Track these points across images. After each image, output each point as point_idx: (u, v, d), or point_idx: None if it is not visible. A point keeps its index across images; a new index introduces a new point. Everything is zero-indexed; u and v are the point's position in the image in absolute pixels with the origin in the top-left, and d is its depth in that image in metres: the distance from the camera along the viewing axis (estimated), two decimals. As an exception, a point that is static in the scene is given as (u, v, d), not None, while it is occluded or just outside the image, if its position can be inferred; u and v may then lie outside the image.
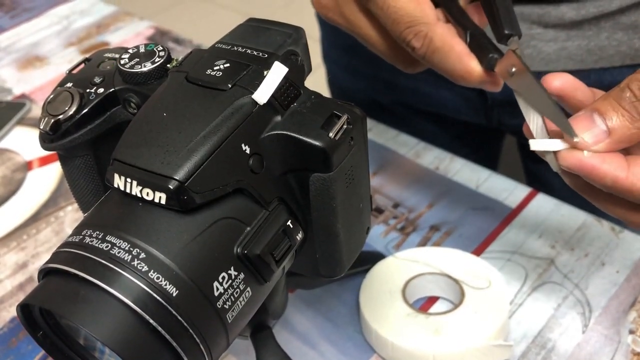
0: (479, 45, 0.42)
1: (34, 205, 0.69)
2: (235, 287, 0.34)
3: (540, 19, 0.59)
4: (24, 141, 0.78)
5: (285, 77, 0.36)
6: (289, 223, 0.37)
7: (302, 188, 0.37)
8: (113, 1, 1.04)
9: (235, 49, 0.38)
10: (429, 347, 0.49)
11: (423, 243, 0.60)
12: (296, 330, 0.54)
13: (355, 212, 0.40)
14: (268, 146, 0.36)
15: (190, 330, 0.32)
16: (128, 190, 0.34)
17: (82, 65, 0.43)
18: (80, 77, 0.42)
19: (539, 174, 0.74)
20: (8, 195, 0.71)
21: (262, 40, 0.39)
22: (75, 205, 0.67)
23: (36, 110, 0.83)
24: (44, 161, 0.75)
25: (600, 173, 0.35)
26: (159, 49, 0.40)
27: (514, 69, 0.39)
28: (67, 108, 0.40)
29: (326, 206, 0.37)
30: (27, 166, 0.75)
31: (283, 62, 0.36)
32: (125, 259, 0.32)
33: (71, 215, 0.67)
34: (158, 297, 0.32)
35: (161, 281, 0.32)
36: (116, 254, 0.32)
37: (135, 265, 0.32)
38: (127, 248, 0.32)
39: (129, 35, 0.95)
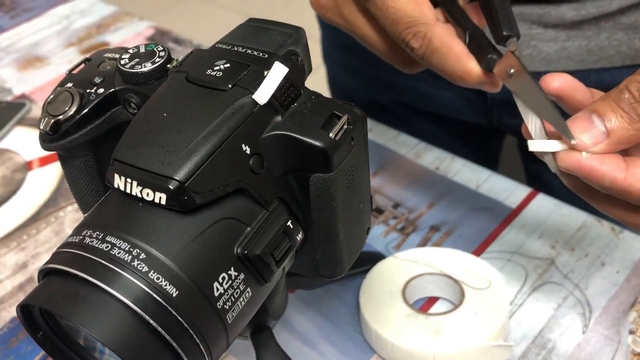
0: (477, 46, 0.42)
1: (34, 206, 0.69)
2: (235, 287, 0.34)
3: (541, 19, 0.59)
4: (24, 141, 0.78)
5: (286, 77, 0.36)
6: (289, 223, 0.37)
7: (302, 188, 0.37)
8: (113, 1, 1.04)
9: (236, 49, 0.38)
10: (429, 348, 0.49)
11: (423, 243, 0.60)
12: (296, 330, 0.54)
13: (355, 213, 0.40)
14: (268, 146, 0.36)
15: (191, 331, 0.32)
16: (128, 191, 0.34)
17: (82, 66, 0.43)
18: (80, 77, 0.42)
19: (539, 174, 0.74)
20: (8, 196, 0.71)
21: (263, 40, 0.39)
22: (75, 206, 0.67)
23: (36, 111, 0.83)
24: (44, 161, 0.75)
25: (598, 174, 0.35)
26: (159, 49, 0.40)
27: (512, 70, 0.39)
28: (67, 108, 0.40)
29: (326, 206, 0.37)
30: (27, 166, 0.75)
31: (283, 62, 0.36)
32: (126, 259, 0.32)
33: (71, 216, 0.67)
34: (158, 298, 0.32)
35: (161, 281, 0.32)
36: (116, 254, 0.32)
37: (136, 265, 0.32)
38: (127, 248, 0.32)
39: (129, 35, 0.95)
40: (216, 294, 0.33)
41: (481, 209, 0.62)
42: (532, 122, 0.38)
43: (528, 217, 0.61)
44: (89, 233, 0.33)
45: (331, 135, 0.35)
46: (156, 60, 0.39)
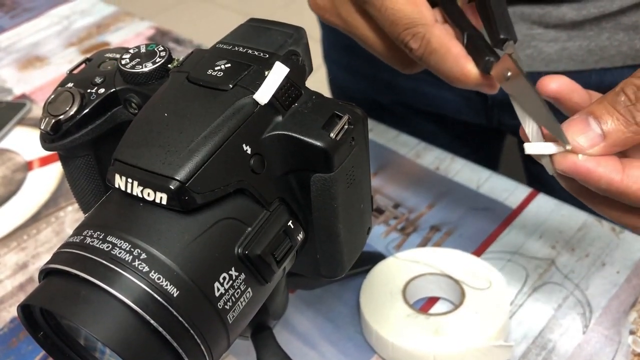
0: (475, 48, 0.42)
1: (35, 206, 0.69)
2: (236, 287, 0.34)
3: (541, 19, 0.59)
4: (24, 141, 0.78)
5: (286, 77, 0.36)
6: (289, 223, 0.37)
7: (303, 188, 0.37)
8: (113, 1, 1.04)
9: (237, 49, 0.38)
10: (430, 348, 0.49)
11: (423, 243, 0.60)
12: (297, 330, 0.54)
13: (356, 213, 0.40)
14: (269, 146, 0.36)
15: (191, 331, 0.32)
16: (129, 191, 0.34)
17: (83, 66, 0.43)
18: (81, 77, 0.42)
19: (540, 175, 0.74)
20: (8, 196, 0.71)
21: (263, 40, 0.39)
22: (76, 206, 0.67)
23: (36, 111, 0.83)
24: (44, 161, 0.75)
25: (595, 176, 0.35)
26: (159, 49, 0.40)
27: (509, 73, 0.39)
28: (68, 108, 0.40)
29: (327, 206, 0.37)
30: (28, 166, 0.75)
31: (284, 62, 0.36)
32: (126, 259, 0.32)
33: (71, 216, 0.67)
34: (159, 298, 0.32)
35: (162, 282, 0.32)
36: (117, 254, 0.32)
37: (136, 265, 0.32)
38: (127, 248, 0.32)
39: (130, 35, 0.95)
40: (217, 294, 0.33)
41: (481, 209, 0.62)
42: (529, 125, 0.38)
43: (528, 217, 0.61)
44: (89, 233, 0.33)
45: (332, 135, 0.35)
46: (157, 60, 0.39)
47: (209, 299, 0.33)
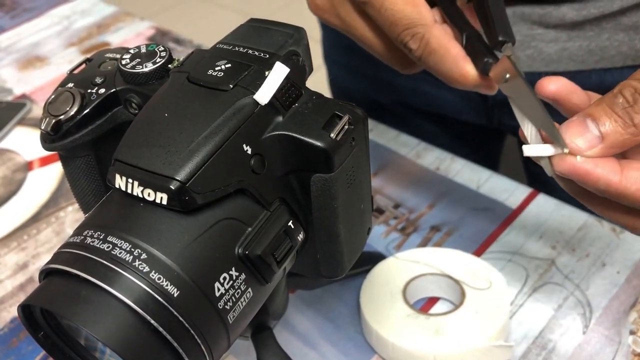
0: (474, 49, 0.42)
1: (35, 206, 0.69)
2: (236, 287, 0.34)
3: (542, 19, 0.59)
4: (25, 141, 0.78)
5: (287, 78, 0.36)
6: (290, 224, 0.37)
7: (303, 188, 0.37)
8: (113, 1, 1.05)
9: (237, 49, 0.38)
10: (430, 348, 0.49)
11: (424, 244, 0.60)
12: (297, 330, 0.54)
13: (356, 213, 0.40)
14: (269, 146, 0.36)
15: (192, 331, 0.32)
16: (129, 191, 0.34)
17: (84, 66, 0.43)
18: (81, 77, 0.42)
19: (540, 175, 0.74)
20: (8, 196, 0.71)
21: (264, 40, 0.39)
22: (76, 206, 0.67)
23: (36, 111, 0.83)
24: (44, 161, 0.75)
25: (593, 178, 0.35)
26: (160, 49, 0.40)
27: (507, 75, 0.39)
28: (68, 108, 0.40)
29: (327, 207, 0.37)
30: (28, 166, 0.75)
31: (284, 62, 0.36)
32: (127, 259, 0.32)
33: (72, 216, 0.67)
34: (159, 298, 0.32)
35: (162, 282, 0.32)
36: (117, 254, 0.32)
37: (137, 265, 0.32)
38: (128, 249, 0.32)
39: (130, 35, 0.95)
40: (217, 294, 0.33)
41: (482, 209, 0.62)
42: (528, 127, 0.38)
43: (528, 218, 0.61)
44: (90, 233, 0.33)
45: (332, 135, 0.35)
46: (157, 61, 0.39)
47: (210, 299, 0.33)
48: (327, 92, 0.78)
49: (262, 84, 0.35)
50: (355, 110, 0.37)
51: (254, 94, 0.35)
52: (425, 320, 0.51)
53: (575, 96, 0.39)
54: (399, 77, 0.74)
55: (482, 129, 0.77)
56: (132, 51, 0.40)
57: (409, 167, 0.68)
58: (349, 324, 0.54)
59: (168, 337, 0.32)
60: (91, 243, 0.33)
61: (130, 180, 0.33)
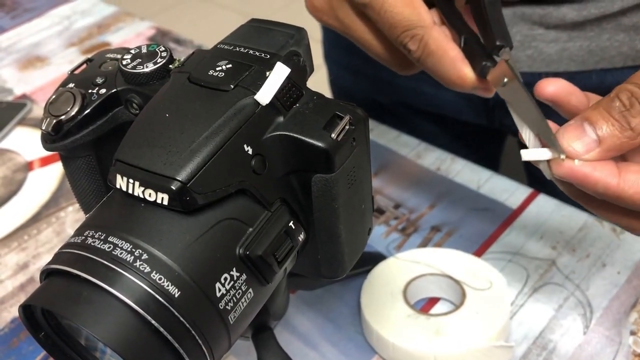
0: (472, 51, 0.42)
1: (35, 206, 0.69)
2: (237, 288, 0.34)
3: (542, 19, 0.59)
4: (25, 141, 0.78)
5: (288, 78, 0.36)
6: (291, 224, 0.37)
7: (304, 189, 0.37)
8: (114, 1, 1.05)
9: (238, 49, 0.38)
10: (430, 348, 0.49)
11: (424, 244, 0.60)
12: (297, 331, 0.54)
13: (357, 213, 0.40)
14: (270, 147, 0.36)
15: (193, 332, 0.32)
16: (130, 191, 0.34)
17: (84, 66, 0.43)
18: (82, 77, 0.42)
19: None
20: (9, 196, 0.71)
21: (265, 40, 0.39)
22: (76, 206, 0.67)
23: (37, 111, 0.83)
24: (44, 161, 0.75)
25: (591, 181, 0.36)
26: (161, 49, 0.40)
27: (505, 79, 0.39)
28: (69, 109, 0.40)
29: (328, 207, 0.37)
30: (28, 166, 0.75)
31: (285, 62, 0.36)
32: (128, 259, 0.32)
33: (72, 216, 0.67)
34: (160, 298, 0.32)
35: (163, 282, 0.32)
36: (118, 254, 0.32)
37: (138, 266, 0.32)
38: (129, 249, 0.32)
39: (130, 35, 0.95)
40: (218, 294, 0.33)
41: (482, 209, 0.62)
42: (526, 131, 0.38)
43: (529, 218, 0.61)
44: (91, 233, 0.33)
45: (333, 135, 0.35)
46: (158, 61, 0.39)
47: (211, 299, 0.33)
48: (327, 92, 0.78)
49: (263, 84, 0.35)
50: (356, 111, 0.37)
51: (255, 94, 0.35)
52: (426, 321, 0.51)
53: (574, 97, 0.39)
54: (400, 78, 0.74)
55: (482, 129, 0.77)
56: (133, 51, 0.40)
57: (409, 167, 0.68)
58: (350, 324, 0.54)
59: (169, 337, 0.32)
60: (92, 243, 0.33)
61: (131, 181, 0.33)
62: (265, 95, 0.35)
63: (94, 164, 0.43)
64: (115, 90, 0.40)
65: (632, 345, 0.51)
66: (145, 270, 0.32)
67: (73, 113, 0.40)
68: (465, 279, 0.53)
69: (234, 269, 0.34)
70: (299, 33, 0.40)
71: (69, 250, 0.33)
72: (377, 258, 0.57)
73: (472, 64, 0.42)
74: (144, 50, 0.40)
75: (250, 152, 0.35)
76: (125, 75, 0.40)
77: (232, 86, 0.35)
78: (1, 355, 0.55)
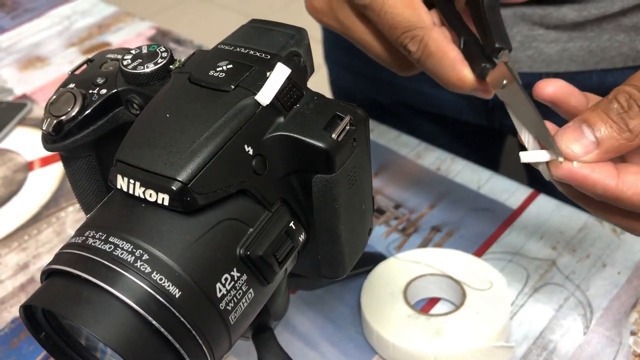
0: (471, 53, 0.42)
1: (35, 206, 0.69)
2: (238, 288, 0.34)
3: (542, 20, 0.59)
4: (25, 141, 0.78)
5: (288, 78, 0.36)
6: (291, 224, 0.37)
7: (304, 189, 0.37)
8: (114, 1, 1.05)
9: (238, 50, 0.38)
10: (430, 349, 0.49)
11: (424, 244, 0.60)
12: (298, 331, 0.54)
13: (357, 214, 0.40)
14: (271, 147, 0.36)
15: (193, 332, 0.32)
16: (131, 192, 0.34)
17: (85, 66, 0.43)
18: (82, 78, 0.42)
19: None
20: (9, 196, 0.71)
21: (265, 41, 0.39)
22: (77, 206, 0.67)
23: (37, 111, 0.83)
24: (45, 161, 0.75)
25: (590, 182, 0.36)
26: (161, 49, 0.40)
27: (504, 82, 0.39)
28: (69, 109, 0.40)
29: (329, 207, 0.37)
30: (28, 166, 0.75)
31: (286, 63, 0.36)
32: (128, 260, 0.32)
33: (72, 216, 0.67)
34: (161, 299, 0.32)
35: (164, 282, 0.32)
36: (119, 255, 0.32)
37: (138, 266, 0.32)
38: (130, 249, 0.32)
39: (130, 35, 0.95)
40: (219, 294, 0.33)
41: (482, 209, 0.62)
42: (525, 133, 0.39)
43: (529, 218, 0.61)
44: (91, 234, 0.33)
45: (334, 136, 0.35)
46: (159, 61, 0.39)
47: (211, 299, 0.33)
48: (327, 92, 0.78)
49: (263, 84, 0.35)
50: (357, 111, 0.37)
51: (255, 94, 0.35)
52: (426, 321, 0.51)
53: (573, 98, 0.39)
54: (400, 78, 0.74)
55: (482, 130, 0.77)
56: (133, 52, 0.40)
57: (409, 167, 0.68)
58: (350, 324, 0.54)
59: (169, 337, 0.32)
60: (93, 244, 0.33)
61: (132, 181, 0.33)
62: (265, 95, 0.35)
63: (95, 164, 0.43)
64: (115, 90, 0.40)
65: (633, 345, 0.51)
66: (146, 271, 0.32)
67: (74, 113, 0.40)
68: (465, 279, 0.53)
69: (235, 269, 0.34)
70: (300, 33, 0.40)
71: (70, 251, 0.33)
72: (377, 258, 0.57)
73: (472, 66, 0.42)
74: (144, 50, 0.40)
75: (250, 152, 0.35)
76: (126, 76, 0.40)
77: (232, 87, 0.36)
78: (1, 356, 0.55)
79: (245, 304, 0.35)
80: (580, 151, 0.36)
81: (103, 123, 0.41)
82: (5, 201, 0.71)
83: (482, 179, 0.66)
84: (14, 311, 0.59)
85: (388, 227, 0.62)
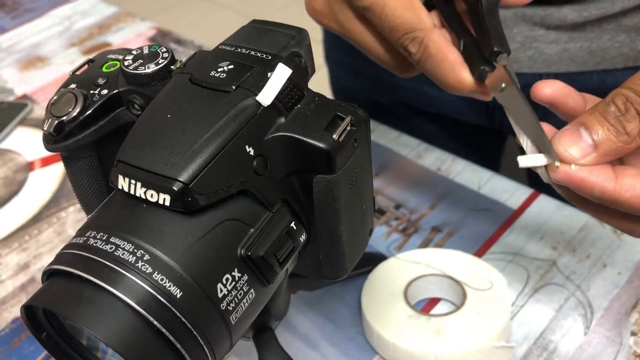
0: (471, 55, 0.42)
1: (36, 206, 0.70)
2: (239, 288, 0.34)
3: (543, 20, 0.59)
4: (26, 142, 0.79)
5: (289, 79, 0.36)
6: (292, 225, 0.37)
7: (305, 190, 0.37)
8: (114, 2, 1.05)
9: (239, 50, 0.38)
10: (431, 349, 0.49)
11: (425, 244, 0.60)
12: (298, 331, 0.54)
13: (358, 214, 0.40)
14: (272, 148, 0.36)
15: (194, 332, 0.32)
16: (132, 192, 0.34)
17: (86, 67, 0.43)
18: (83, 78, 0.42)
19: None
20: (10, 196, 0.71)
21: (266, 41, 0.39)
22: (77, 206, 0.67)
23: (38, 111, 0.83)
24: (45, 162, 0.75)
25: (588, 185, 0.36)
26: (162, 50, 0.40)
27: (503, 85, 0.39)
28: (70, 109, 0.40)
29: (329, 208, 0.37)
30: (29, 167, 0.75)
31: (287, 63, 0.36)
32: (129, 260, 0.32)
33: (73, 216, 0.67)
34: (162, 299, 0.32)
35: (165, 283, 0.32)
36: (120, 255, 0.32)
37: (139, 266, 0.32)
38: (131, 249, 0.32)
39: (131, 35, 0.96)
40: (220, 295, 0.33)
41: (483, 210, 0.62)
42: (523, 137, 0.39)
43: (530, 218, 0.61)
44: (93, 234, 0.33)
45: (334, 136, 0.35)
46: (160, 62, 0.39)
47: (212, 300, 0.33)
48: (328, 93, 0.78)
49: (264, 85, 0.36)
50: (358, 112, 0.37)
51: (256, 95, 0.35)
52: (427, 321, 0.51)
53: (571, 99, 0.39)
54: (400, 78, 0.74)
55: (483, 130, 0.77)
56: (134, 52, 0.40)
57: (409, 167, 0.68)
58: (350, 324, 0.54)
59: (170, 337, 0.32)
60: (94, 244, 0.33)
61: (133, 182, 0.34)
62: (266, 96, 0.35)
63: (96, 164, 0.43)
64: (116, 91, 0.41)
65: (633, 345, 0.51)
66: (147, 271, 0.32)
67: (75, 114, 0.40)
68: (465, 280, 0.54)
69: (236, 270, 0.34)
70: (300, 34, 0.40)
71: (71, 251, 0.33)
72: (377, 258, 0.57)
73: (471, 68, 0.42)
74: (145, 51, 0.40)
75: (251, 153, 0.35)
76: (127, 76, 0.40)
77: (233, 87, 0.36)
78: (2, 356, 0.55)
79: (246, 304, 0.35)
80: (578, 154, 0.36)
81: (104, 123, 0.41)
82: (6, 201, 0.71)
83: (482, 179, 0.66)
84: (14, 311, 0.59)
85: (388, 228, 0.62)
